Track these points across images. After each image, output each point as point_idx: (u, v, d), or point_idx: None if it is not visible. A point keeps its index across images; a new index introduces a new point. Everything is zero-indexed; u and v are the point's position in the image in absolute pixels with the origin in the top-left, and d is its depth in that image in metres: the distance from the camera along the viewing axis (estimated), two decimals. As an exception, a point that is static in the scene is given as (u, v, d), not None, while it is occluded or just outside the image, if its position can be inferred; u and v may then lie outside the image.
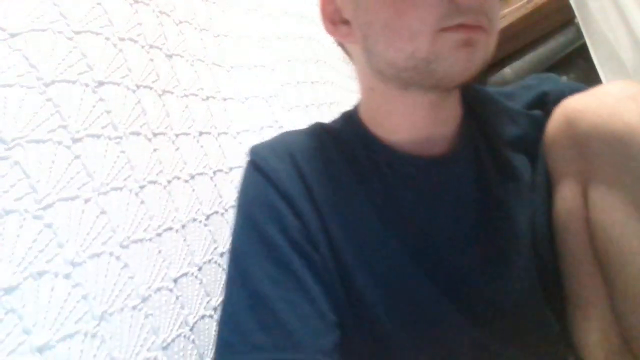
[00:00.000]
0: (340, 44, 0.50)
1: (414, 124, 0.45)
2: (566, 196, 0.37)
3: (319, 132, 0.50)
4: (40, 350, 0.33)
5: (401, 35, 0.38)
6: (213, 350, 0.56)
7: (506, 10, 1.39)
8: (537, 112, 0.47)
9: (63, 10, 0.43)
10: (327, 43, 1.11)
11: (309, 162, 0.45)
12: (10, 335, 0.31)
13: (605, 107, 0.32)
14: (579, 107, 0.34)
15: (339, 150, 0.47)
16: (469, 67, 0.38)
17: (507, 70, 2.19)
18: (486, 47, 0.38)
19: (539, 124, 0.43)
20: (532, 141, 0.44)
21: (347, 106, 1.01)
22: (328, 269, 0.41)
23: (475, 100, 0.50)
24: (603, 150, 0.32)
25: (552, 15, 1.42)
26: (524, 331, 0.41)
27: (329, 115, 0.95)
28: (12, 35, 0.38)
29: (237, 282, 0.42)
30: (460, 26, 0.36)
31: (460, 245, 0.43)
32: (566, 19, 1.45)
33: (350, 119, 0.50)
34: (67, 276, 0.37)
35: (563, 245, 0.38)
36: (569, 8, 1.20)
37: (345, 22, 0.44)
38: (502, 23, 1.71)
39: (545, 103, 0.47)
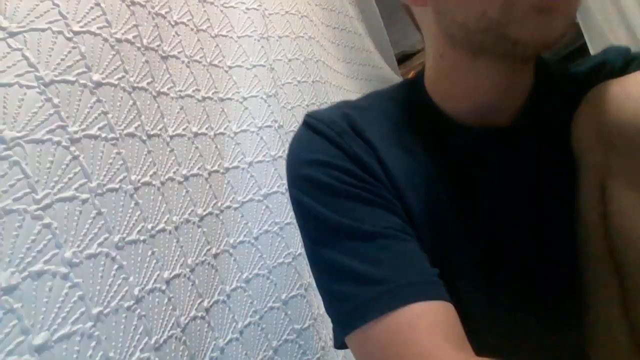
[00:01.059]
0: (409, 12, 0.48)
1: (480, 94, 0.42)
2: (586, 188, 0.36)
3: (379, 102, 0.48)
4: (39, 350, 0.33)
5: (470, 2, 0.36)
6: (203, 352, 0.57)
7: None
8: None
9: (63, 10, 0.43)
10: (327, 43, 1.12)
11: (371, 127, 0.43)
12: (10, 335, 0.31)
13: (631, 101, 0.30)
14: (605, 97, 0.32)
15: (404, 120, 0.45)
16: (546, 36, 0.35)
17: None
18: (567, 15, 0.35)
19: None
20: None
21: None
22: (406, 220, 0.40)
23: (545, 68, 0.46)
24: (624, 145, 0.31)
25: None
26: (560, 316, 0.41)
27: None
28: (12, 35, 0.38)
29: (326, 240, 0.39)
30: None
31: (508, 220, 0.42)
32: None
33: (414, 87, 0.48)
34: (64, 277, 0.37)
35: (580, 238, 0.37)
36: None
37: None
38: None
39: (598, 74, 0.45)
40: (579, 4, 0.36)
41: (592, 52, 1.20)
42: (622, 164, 0.31)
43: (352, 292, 0.36)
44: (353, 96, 1.24)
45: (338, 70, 1.15)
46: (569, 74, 0.49)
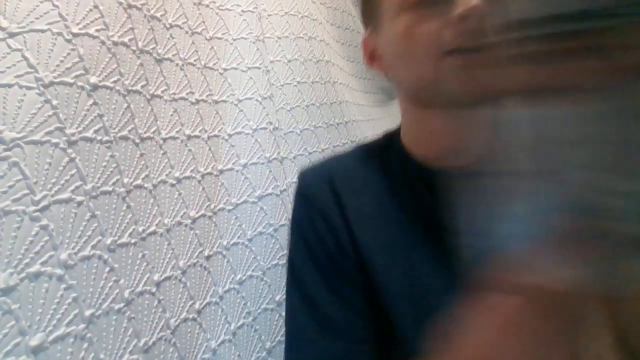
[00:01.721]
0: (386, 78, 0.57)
1: (440, 139, 0.48)
2: None
3: (360, 154, 0.56)
4: (35, 351, 0.33)
5: (411, 62, 0.44)
6: (194, 354, 0.57)
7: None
8: None
9: (62, 12, 0.43)
10: (331, 42, 1.12)
11: (345, 183, 0.51)
12: (8, 336, 0.31)
13: None
14: None
15: (377, 167, 0.52)
16: (473, 88, 0.39)
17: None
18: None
19: None
20: None
21: (348, 105, 1.05)
22: (357, 271, 0.48)
23: None
24: None
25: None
26: None
27: (330, 114, 0.97)
28: (12, 35, 0.38)
29: (293, 287, 0.50)
30: (457, 50, 0.40)
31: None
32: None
33: (392, 137, 0.55)
34: (60, 278, 0.37)
35: None
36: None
37: (380, 58, 0.51)
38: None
39: None
40: None
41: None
42: None
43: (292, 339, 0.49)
44: (357, 94, 1.24)
45: (344, 68, 1.16)
46: None
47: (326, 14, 1.15)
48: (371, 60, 0.53)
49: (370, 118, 1.23)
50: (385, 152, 0.54)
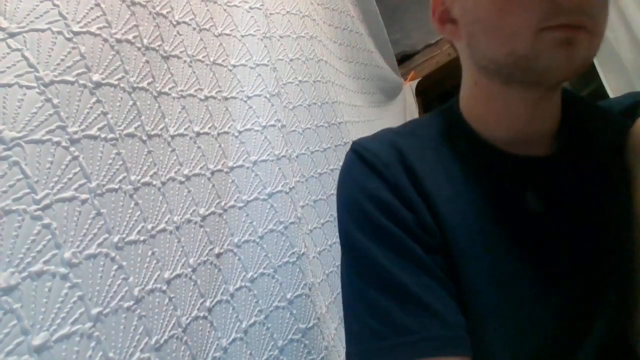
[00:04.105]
0: (450, 41, 0.52)
1: (513, 120, 0.46)
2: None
3: (421, 129, 0.51)
4: (38, 350, 0.33)
5: (503, 34, 0.40)
6: (205, 352, 0.57)
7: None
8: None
9: (62, 11, 0.43)
10: (329, 42, 1.11)
11: (417, 162, 0.46)
12: (9, 336, 0.31)
13: None
14: None
15: (446, 148, 0.48)
16: (569, 66, 0.39)
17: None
18: (589, 47, 0.39)
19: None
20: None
21: (348, 105, 1.04)
22: (442, 253, 0.43)
23: (574, 103, 0.50)
24: None
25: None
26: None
27: (331, 113, 0.96)
28: (12, 35, 0.38)
29: (364, 274, 0.43)
30: (561, 26, 0.38)
31: (549, 249, 0.43)
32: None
33: (450, 114, 0.51)
34: (64, 277, 0.37)
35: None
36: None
37: (453, 21, 0.47)
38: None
39: (637, 111, 0.49)
40: (599, 39, 0.40)
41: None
42: None
43: (379, 333, 0.39)
44: (355, 95, 1.23)
45: (340, 69, 1.15)
46: (599, 109, 0.52)
47: (323, 14, 1.14)
48: (441, 23, 0.48)
49: (367, 119, 1.21)
50: (449, 131, 0.49)
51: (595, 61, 1.20)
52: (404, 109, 1.84)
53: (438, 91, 2.33)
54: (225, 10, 0.77)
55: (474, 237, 0.43)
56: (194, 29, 0.68)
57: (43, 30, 0.41)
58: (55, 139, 0.39)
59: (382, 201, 0.44)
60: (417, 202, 0.43)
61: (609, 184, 0.46)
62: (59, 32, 0.42)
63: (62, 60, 0.42)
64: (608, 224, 0.44)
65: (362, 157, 0.47)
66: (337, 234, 0.48)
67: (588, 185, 0.46)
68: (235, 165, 0.68)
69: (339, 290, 0.57)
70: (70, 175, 0.40)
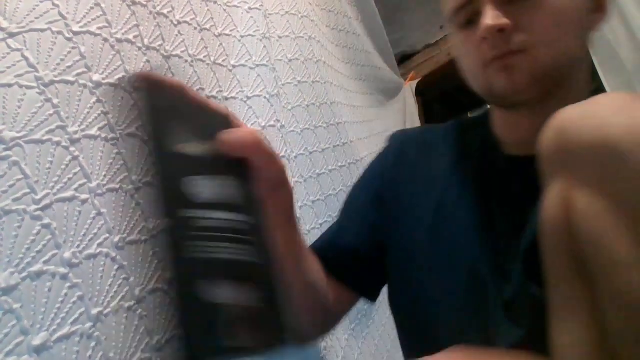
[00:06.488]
0: None
1: (514, 132, 0.55)
2: (551, 203, 0.37)
3: (452, 125, 0.63)
4: (38, 351, 0.33)
5: (468, 71, 0.53)
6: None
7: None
8: None
9: (62, 11, 0.43)
10: (327, 43, 1.11)
11: (413, 147, 0.62)
12: (9, 336, 0.31)
13: (593, 118, 0.33)
14: (569, 117, 0.35)
15: (457, 138, 0.60)
16: (514, 87, 0.47)
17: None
18: (529, 64, 0.46)
19: None
20: None
21: (346, 106, 1.04)
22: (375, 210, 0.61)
23: None
24: (588, 160, 0.33)
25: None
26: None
27: (329, 114, 0.96)
28: (12, 35, 0.38)
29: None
30: (495, 58, 0.47)
31: (509, 235, 0.49)
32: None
33: (487, 115, 0.60)
34: (64, 277, 0.37)
35: (545, 253, 0.38)
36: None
37: None
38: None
39: None
40: (546, 49, 0.46)
41: (591, 52, 1.21)
42: (586, 178, 0.33)
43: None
44: (353, 96, 1.23)
45: (339, 70, 1.15)
46: None
47: (321, 15, 1.14)
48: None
49: (366, 119, 1.21)
50: (475, 126, 0.60)
51: (595, 61, 1.20)
52: (403, 109, 1.84)
53: (438, 91, 2.34)
54: (225, 10, 0.77)
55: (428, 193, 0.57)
56: (195, 28, 0.68)
57: (43, 31, 0.40)
58: (56, 139, 0.39)
59: (374, 171, 0.65)
60: (389, 176, 0.62)
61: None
62: (59, 32, 0.42)
63: (62, 60, 0.42)
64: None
65: (385, 144, 0.68)
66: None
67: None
68: (235, 166, 0.68)
69: (339, 290, 0.60)
70: (71, 175, 0.40)
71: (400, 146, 0.64)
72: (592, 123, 0.32)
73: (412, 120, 1.87)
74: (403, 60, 2.19)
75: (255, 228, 0.36)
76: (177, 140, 0.37)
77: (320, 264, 0.60)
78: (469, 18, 0.50)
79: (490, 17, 0.46)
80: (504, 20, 0.46)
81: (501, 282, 0.47)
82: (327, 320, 0.62)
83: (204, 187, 0.35)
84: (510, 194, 0.51)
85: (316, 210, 0.85)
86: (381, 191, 0.61)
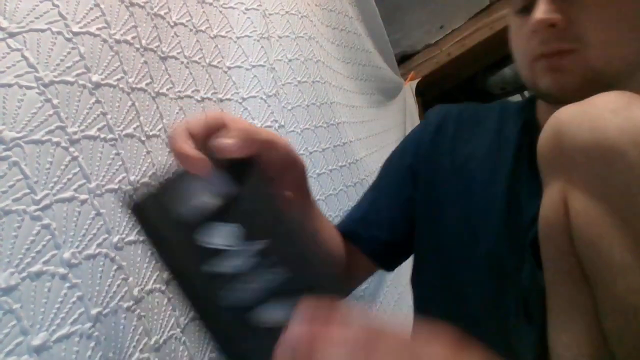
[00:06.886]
0: None
1: None
2: (548, 204, 0.37)
3: (496, 105, 0.63)
4: (37, 350, 0.33)
5: (517, 59, 0.51)
6: (203, 352, 0.57)
7: (505, 11, 1.43)
8: None
9: (62, 11, 0.43)
10: (326, 43, 1.11)
11: (452, 123, 0.62)
12: (9, 336, 0.31)
13: (588, 119, 0.33)
14: (565, 117, 0.35)
15: (496, 121, 0.59)
16: (561, 89, 0.45)
17: (507, 71, 2.23)
18: (580, 65, 0.44)
19: None
20: None
21: (346, 106, 1.04)
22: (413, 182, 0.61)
23: None
24: (583, 161, 0.33)
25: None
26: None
27: (329, 114, 0.96)
28: (12, 35, 0.38)
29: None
30: (543, 55, 0.45)
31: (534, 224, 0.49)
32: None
33: (533, 101, 0.59)
34: (63, 277, 0.37)
35: (543, 253, 0.38)
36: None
37: None
38: (502, 24, 1.74)
39: None
40: (599, 52, 0.44)
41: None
42: (583, 178, 0.33)
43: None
44: (353, 96, 1.23)
45: (338, 70, 1.15)
46: None
47: (320, 15, 1.14)
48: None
49: (366, 119, 1.21)
50: (519, 111, 0.58)
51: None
52: (403, 109, 1.84)
53: (438, 91, 2.34)
54: (221, 12, 0.77)
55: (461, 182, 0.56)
56: (191, 30, 0.68)
57: (43, 31, 0.41)
58: (55, 139, 0.39)
59: (412, 141, 0.65)
60: (427, 150, 0.61)
61: None
62: (59, 33, 0.42)
63: (62, 60, 0.42)
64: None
65: (425, 115, 0.70)
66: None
67: None
68: (232, 166, 0.68)
69: (338, 290, 0.60)
70: (70, 176, 0.40)
71: (439, 122, 0.62)
72: (587, 124, 0.32)
73: (412, 120, 1.88)
74: (403, 60, 2.19)
75: (281, 241, 0.34)
76: (179, 229, 0.34)
77: (348, 238, 0.60)
78: (526, 5, 0.47)
79: (542, 11, 0.43)
80: (556, 15, 0.43)
81: (519, 274, 0.46)
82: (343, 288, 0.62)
83: (219, 233, 0.33)
84: (540, 184, 0.50)
85: (315, 210, 0.85)
86: (415, 166, 0.61)
